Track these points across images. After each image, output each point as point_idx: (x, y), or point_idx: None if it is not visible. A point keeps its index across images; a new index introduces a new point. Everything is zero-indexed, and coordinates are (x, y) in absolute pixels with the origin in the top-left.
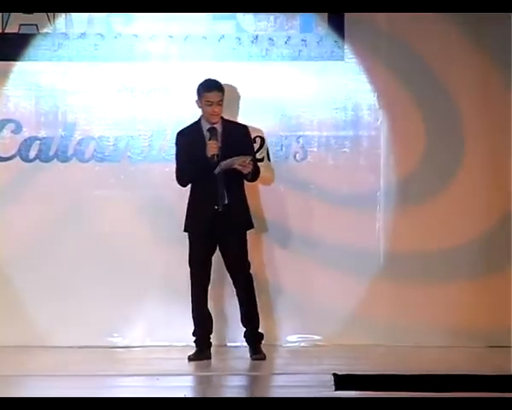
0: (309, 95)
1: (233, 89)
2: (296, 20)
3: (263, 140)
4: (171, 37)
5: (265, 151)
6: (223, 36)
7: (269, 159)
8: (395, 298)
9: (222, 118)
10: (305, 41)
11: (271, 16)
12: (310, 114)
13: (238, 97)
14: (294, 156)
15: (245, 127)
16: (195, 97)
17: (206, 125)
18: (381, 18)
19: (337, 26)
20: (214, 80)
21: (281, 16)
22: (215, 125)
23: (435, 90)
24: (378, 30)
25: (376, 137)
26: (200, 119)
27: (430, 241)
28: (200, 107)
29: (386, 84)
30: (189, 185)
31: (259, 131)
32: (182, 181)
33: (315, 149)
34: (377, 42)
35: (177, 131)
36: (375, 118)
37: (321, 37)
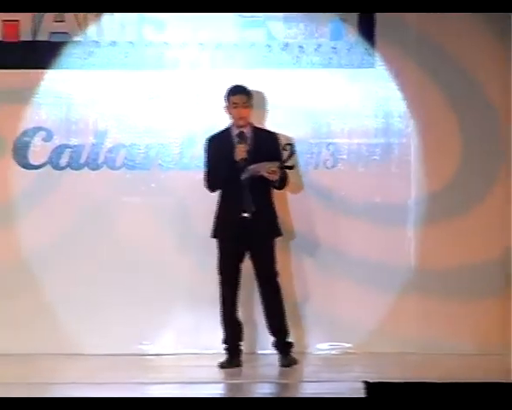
0: (339, 102)
1: (263, 96)
2: (326, 27)
3: (293, 147)
4: (201, 44)
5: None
6: (253, 43)
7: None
8: (425, 306)
9: (252, 125)
10: (335, 48)
11: (301, 24)
12: (340, 122)
13: (268, 105)
14: (324, 164)
15: (274, 134)
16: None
17: (235, 131)
18: (411, 24)
19: (367, 33)
20: (240, 85)
21: (311, 24)
22: (244, 131)
23: (469, 96)
24: (408, 36)
25: (407, 144)
26: (229, 125)
27: (461, 251)
28: (228, 113)
29: (418, 90)
30: (218, 191)
31: (289, 138)
32: (210, 186)
33: (345, 157)
34: (408, 48)
35: (208, 136)
36: (405, 125)
37: (351, 44)
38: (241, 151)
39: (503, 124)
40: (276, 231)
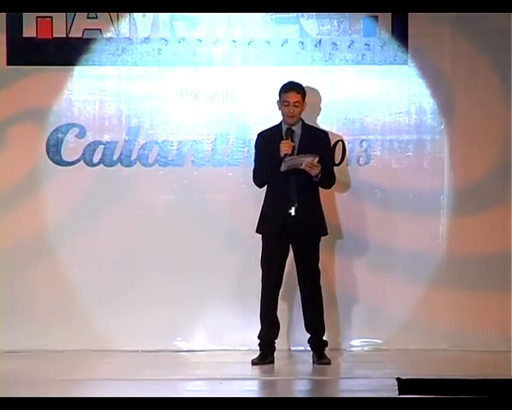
0: (372, 99)
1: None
2: (359, 24)
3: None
4: (234, 41)
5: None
6: (286, 40)
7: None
8: (458, 302)
9: (303, 122)
10: (368, 45)
11: (335, 20)
12: (373, 118)
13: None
14: (358, 160)
15: (324, 133)
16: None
17: (284, 128)
18: (444, 21)
19: (401, 30)
20: (294, 82)
21: (344, 21)
22: (294, 128)
23: (502, 94)
24: (441, 33)
25: (440, 141)
26: (280, 121)
27: (492, 246)
28: (280, 108)
29: (450, 87)
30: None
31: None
32: (256, 181)
33: (378, 153)
34: (441, 45)
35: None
36: (438, 122)
37: (384, 41)
38: (284, 147)
39: None
40: (321, 230)
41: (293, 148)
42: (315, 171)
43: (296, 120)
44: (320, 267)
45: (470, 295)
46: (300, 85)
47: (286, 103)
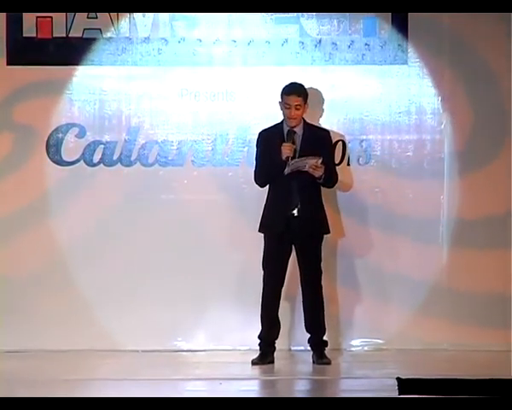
0: (372, 99)
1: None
2: (359, 24)
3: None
4: (234, 41)
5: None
6: (286, 40)
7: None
8: (458, 302)
9: (304, 121)
10: (368, 45)
11: (335, 20)
12: (373, 118)
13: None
14: (358, 160)
15: (326, 132)
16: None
17: (286, 128)
18: (444, 21)
19: (400, 29)
20: (296, 84)
21: (344, 20)
22: (295, 129)
23: (500, 94)
24: (442, 33)
25: (440, 141)
26: (282, 120)
27: (492, 252)
28: (281, 109)
29: (451, 87)
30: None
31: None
32: (258, 181)
33: (378, 153)
34: (441, 45)
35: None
36: (438, 122)
37: (384, 41)
38: (285, 150)
39: None
40: (324, 229)
41: (295, 150)
42: (318, 172)
43: (298, 122)
44: (322, 267)
45: (469, 295)
46: (302, 87)
47: (287, 106)
